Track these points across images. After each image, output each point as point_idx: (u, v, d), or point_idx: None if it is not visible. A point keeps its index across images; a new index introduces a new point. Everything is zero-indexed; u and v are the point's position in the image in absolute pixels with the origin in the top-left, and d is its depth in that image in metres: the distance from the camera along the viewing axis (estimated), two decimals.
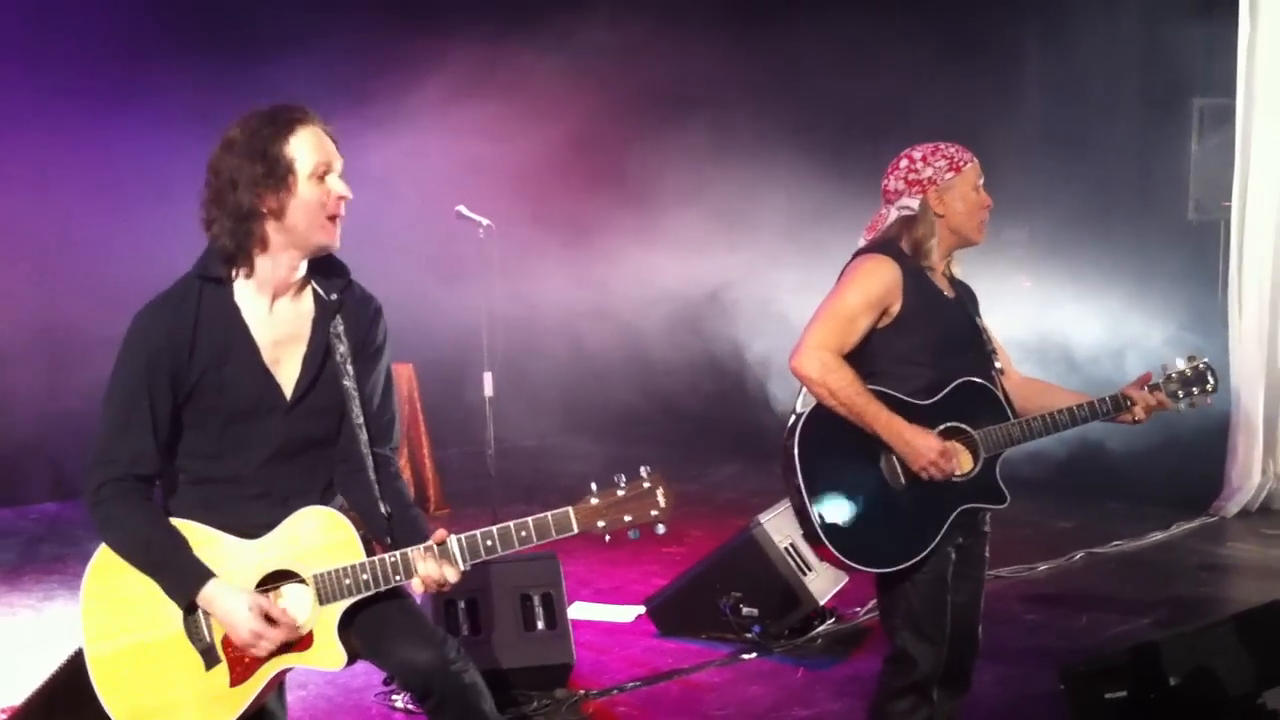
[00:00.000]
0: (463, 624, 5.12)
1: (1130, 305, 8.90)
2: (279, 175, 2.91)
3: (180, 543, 2.91)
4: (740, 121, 10.18)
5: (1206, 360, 4.01)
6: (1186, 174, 9.50)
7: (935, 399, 3.62)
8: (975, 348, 3.77)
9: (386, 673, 4.44)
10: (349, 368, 3.05)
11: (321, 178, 2.96)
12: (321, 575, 2.91)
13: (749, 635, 5.70)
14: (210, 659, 2.90)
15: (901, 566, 3.57)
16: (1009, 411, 3.74)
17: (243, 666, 2.90)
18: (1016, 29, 10.60)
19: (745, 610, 5.71)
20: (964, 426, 3.65)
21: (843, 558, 3.55)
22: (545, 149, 9.33)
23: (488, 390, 6.75)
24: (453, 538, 2.96)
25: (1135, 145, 9.93)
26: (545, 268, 9.03)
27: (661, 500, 2.98)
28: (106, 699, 2.92)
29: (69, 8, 8.66)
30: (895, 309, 3.59)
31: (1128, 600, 6.49)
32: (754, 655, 5.59)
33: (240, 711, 2.92)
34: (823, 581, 5.81)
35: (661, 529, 3.00)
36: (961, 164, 3.66)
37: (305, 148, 2.94)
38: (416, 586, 2.97)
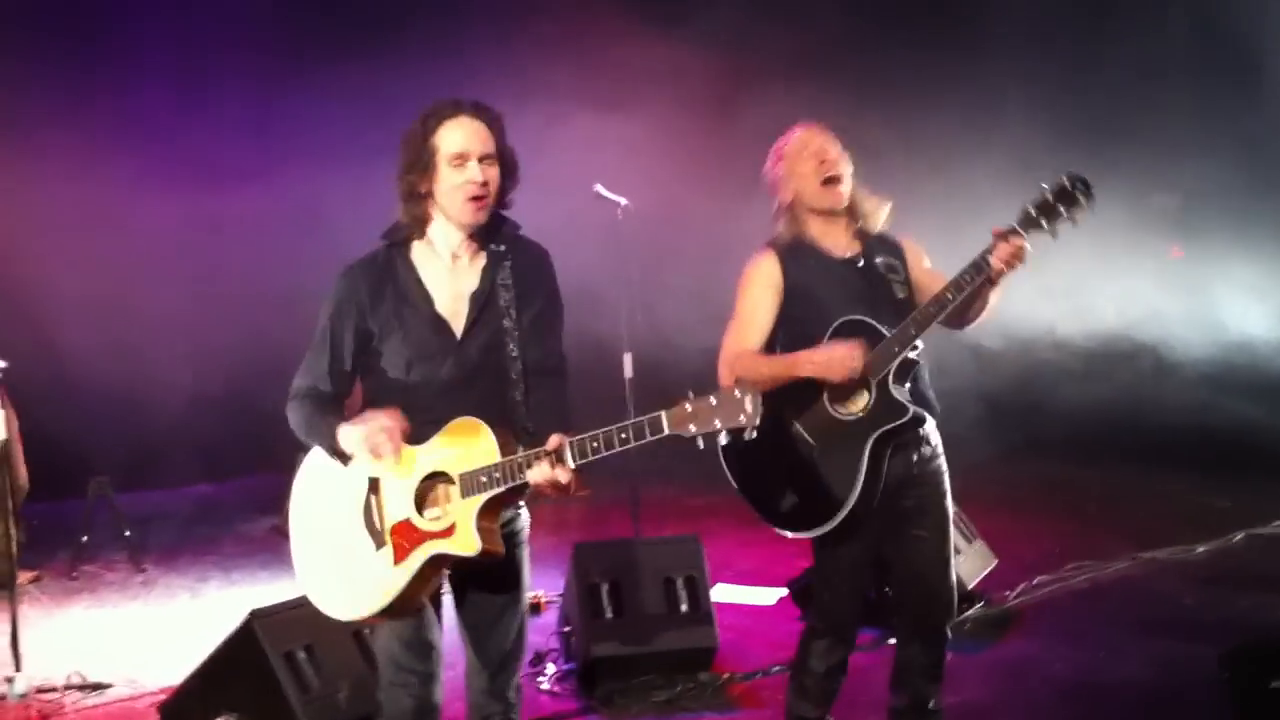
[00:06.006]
0: (606, 607, 5.13)
1: None
2: (425, 161, 3.38)
3: (328, 422, 3.43)
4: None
5: (1072, 173, 3.66)
6: None
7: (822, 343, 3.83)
8: (873, 297, 3.90)
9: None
10: (512, 311, 3.46)
11: (460, 164, 3.34)
12: (465, 474, 3.31)
13: (895, 619, 5.60)
14: (379, 540, 3.37)
15: (840, 516, 3.79)
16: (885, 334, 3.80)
17: (403, 550, 3.35)
18: None
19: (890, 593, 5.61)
20: None
21: (783, 529, 3.95)
22: (677, 128, 9.30)
23: (628, 371, 6.72)
24: (566, 441, 3.25)
25: None
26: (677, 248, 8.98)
27: (749, 405, 3.09)
28: (302, 577, 3.47)
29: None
30: (783, 291, 3.94)
31: None
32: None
33: (401, 588, 3.33)
34: (971, 564, 5.69)
35: (751, 435, 3.09)
36: (782, 150, 3.98)
37: (449, 137, 3.37)
38: (532, 480, 3.25)
